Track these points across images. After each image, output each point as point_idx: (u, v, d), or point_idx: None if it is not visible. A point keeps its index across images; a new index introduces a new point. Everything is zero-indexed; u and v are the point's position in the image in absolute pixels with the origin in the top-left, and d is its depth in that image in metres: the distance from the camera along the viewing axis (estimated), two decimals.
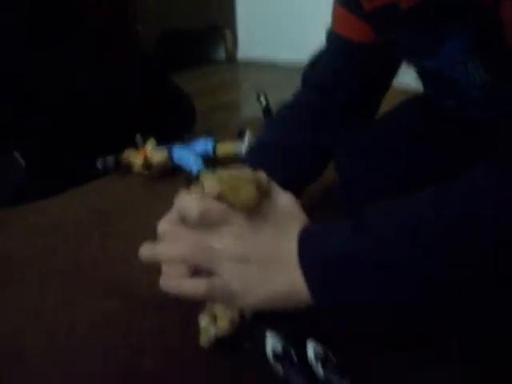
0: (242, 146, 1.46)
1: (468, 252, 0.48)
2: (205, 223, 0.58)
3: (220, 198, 0.57)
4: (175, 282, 0.60)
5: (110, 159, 1.48)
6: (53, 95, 1.53)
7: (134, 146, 1.49)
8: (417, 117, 0.98)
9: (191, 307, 0.77)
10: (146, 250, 0.63)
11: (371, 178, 0.91)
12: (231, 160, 1.44)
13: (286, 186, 0.74)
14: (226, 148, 1.51)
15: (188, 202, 0.59)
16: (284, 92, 1.12)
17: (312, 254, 0.55)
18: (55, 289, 0.91)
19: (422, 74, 0.93)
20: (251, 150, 1.03)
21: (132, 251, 0.99)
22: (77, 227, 1.17)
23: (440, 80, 0.83)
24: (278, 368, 0.63)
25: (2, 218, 1.27)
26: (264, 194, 0.60)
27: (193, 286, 0.59)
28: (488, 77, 0.72)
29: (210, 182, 0.58)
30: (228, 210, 0.58)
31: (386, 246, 0.51)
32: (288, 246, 0.57)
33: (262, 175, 0.62)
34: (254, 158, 0.94)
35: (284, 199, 0.62)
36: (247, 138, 1.47)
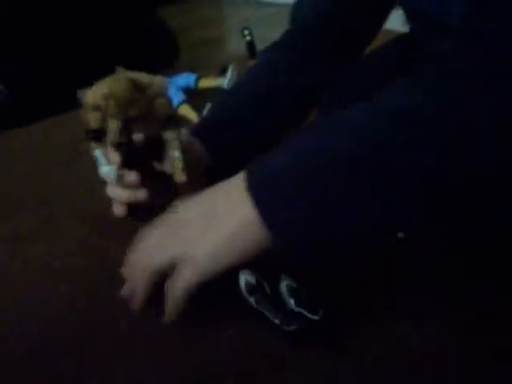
0: (225, 80, 1.45)
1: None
2: None
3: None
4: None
5: None
6: (41, 16, 1.51)
7: None
8: (395, 56, 0.98)
9: None
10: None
11: None
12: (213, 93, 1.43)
13: (263, 132, 0.78)
14: (208, 82, 1.50)
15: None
16: (269, 30, 1.10)
17: (257, 176, 0.54)
18: (32, 217, 0.91)
19: (405, 10, 0.93)
20: (227, 91, 1.00)
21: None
22: (56, 155, 1.17)
23: (418, 14, 0.82)
24: (251, 301, 0.65)
25: None
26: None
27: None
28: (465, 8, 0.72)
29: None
30: None
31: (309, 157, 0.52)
32: (230, 183, 0.57)
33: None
34: (228, 100, 0.91)
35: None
36: (230, 72, 1.46)
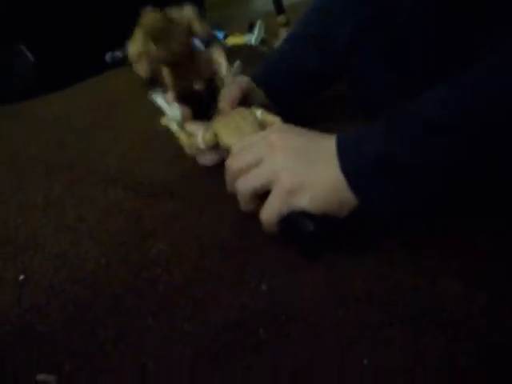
0: (253, 37, 1.43)
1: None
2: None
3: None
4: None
5: (119, 52, 1.45)
6: None
7: None
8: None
9: (199, 196, 0.78)
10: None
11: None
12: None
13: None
14: (236, 39, 1.48)
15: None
16: None
17: (351, 161, 0.58)
18: (63, 181, 0.90)
19: None
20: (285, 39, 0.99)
21: (142, 142, 1.00)
22: (85, 120, 1.16)
23: None
24: None
25: (10, 112, 1.26)
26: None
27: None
28: None
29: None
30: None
31: (416, 147, 0.54)
32: (328, 144, 0.61)
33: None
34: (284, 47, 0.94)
35: None
36: (258, 28, 1.43)
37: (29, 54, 1.45)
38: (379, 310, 0.55)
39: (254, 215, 0.65)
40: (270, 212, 0.62)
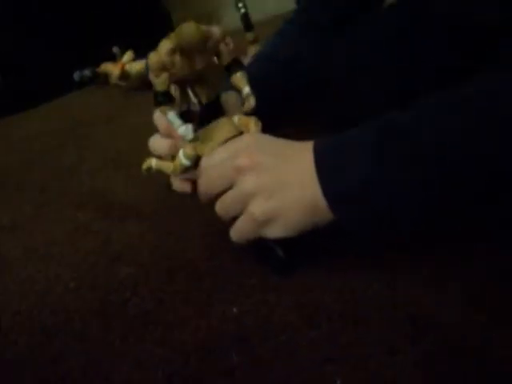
0: None
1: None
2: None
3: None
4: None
5: (87, 71, 1.44)
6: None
7: (113, 59, 1.45)
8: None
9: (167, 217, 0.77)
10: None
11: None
12: None
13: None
14: None
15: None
16: (263, 1, 1.08)
17: (334, 187, 0.55)
18: (32, 202, 0.89)
19: None
20: (250, 62, 0.99)
21: (110, 162, 0.99)
22: (54, 139, 1.15)
23: None
24: None
25: None
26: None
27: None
28: None
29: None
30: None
31: (410, 167, 0.52)
32: (303, 161, 0.57)
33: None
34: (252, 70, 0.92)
35: None
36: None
37: None
38: (352, 328, 0.55)
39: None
40: (238, 236, 0.62)
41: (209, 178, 0.64)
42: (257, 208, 0.57)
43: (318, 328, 0.55)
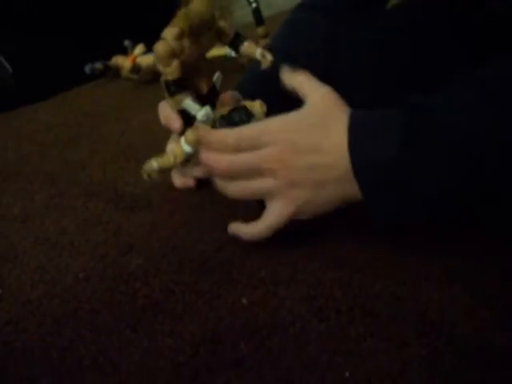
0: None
1: None
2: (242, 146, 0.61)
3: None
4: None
5: (98, 64, 1.44)
6: None
7: (124, 52, 1.45)
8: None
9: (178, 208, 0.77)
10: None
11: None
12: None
13: None
14: (216, 51, 1.47)
15: (220, 133, 0.63)
16: None
17: (364, 160, 0.55)
18: (43, 194, 0.90)
19: None
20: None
21: (121, 154, 0.99)
22: (65, 131, 1.15)
23: None
24: None
25: None
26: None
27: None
28: None
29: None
30: (259, 125, 0.61)
31: (437, 149, 0.52)
32: (334, 144, 0.58)
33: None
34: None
35: (317, 96, 0.61)
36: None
37: (7, 65, 1.44)
38: (361, 321, 0.55)
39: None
40: (263, 230, 0.63)
41: (234, 162, 0.62)
42: (287, 207, 0.60)
43: (327, 321, 0.55)
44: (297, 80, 0.63)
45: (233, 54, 1.40)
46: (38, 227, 0.80)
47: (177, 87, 0.62)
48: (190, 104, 0.63)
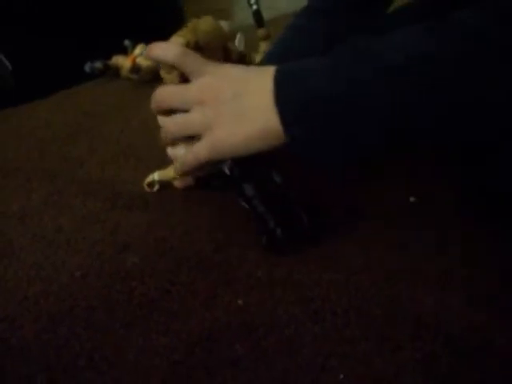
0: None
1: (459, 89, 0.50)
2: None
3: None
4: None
5: (98, 63, 1.44)
6: None
7: (124, 52, 1.45)
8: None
9: (175, 208, 0.77)
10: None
11: None
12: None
13: None
14: None
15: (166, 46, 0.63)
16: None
17: (288, 94, 0.55)
18: (41, 191, 0.89)
19: None
20: (265, 56, 0.99)
21: (120, 153, 0.99)
22: (64, 129, 1.15)
23: None
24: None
25: None
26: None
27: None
28: None
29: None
30: (201, 60, 0.60)
31: (362, 87, 0.52)
32: (261, 81, 0.58)
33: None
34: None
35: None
36: (238, 41, 1.43)
37: (7, 63, 1.44)
38: (356, 323, 0.55)
39: None
40: (178, 168, 0.67)
41: (172, 95, 0.64)
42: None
43: (323, 322, 0.56)
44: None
45: None
46: (35, 224, 0.79)
47: None
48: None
